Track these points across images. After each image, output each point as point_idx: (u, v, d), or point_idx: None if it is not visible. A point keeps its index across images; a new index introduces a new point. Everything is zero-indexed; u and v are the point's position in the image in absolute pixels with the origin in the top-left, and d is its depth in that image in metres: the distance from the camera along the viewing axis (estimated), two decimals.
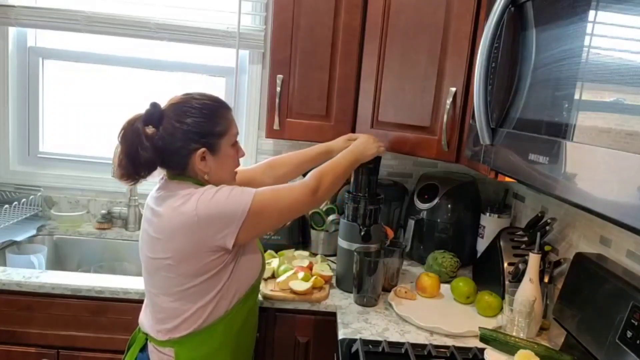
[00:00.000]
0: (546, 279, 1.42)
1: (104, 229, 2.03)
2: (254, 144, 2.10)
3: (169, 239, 1.14)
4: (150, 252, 1.18)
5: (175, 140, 1.15)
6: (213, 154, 1.19)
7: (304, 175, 2.03)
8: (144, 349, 1.24)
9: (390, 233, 1.76)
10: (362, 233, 1.56)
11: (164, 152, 1.15)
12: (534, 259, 1.36)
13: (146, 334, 1.23)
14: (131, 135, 1.13)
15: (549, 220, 1.50)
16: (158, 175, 1.22)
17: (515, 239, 1.58)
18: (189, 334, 1.18)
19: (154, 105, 1.16)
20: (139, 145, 1.12)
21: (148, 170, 1.16)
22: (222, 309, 1.20)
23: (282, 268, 1.63)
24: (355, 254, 1.50)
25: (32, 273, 1.56)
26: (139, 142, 1.12)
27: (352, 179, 1.63)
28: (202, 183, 1.20)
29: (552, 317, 1.33)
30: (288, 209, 1.23)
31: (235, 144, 1.25)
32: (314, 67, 1.72)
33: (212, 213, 1.12)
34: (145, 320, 1.24)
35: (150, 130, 1.15)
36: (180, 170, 1.20)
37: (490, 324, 1.39)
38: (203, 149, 1.17)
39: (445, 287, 1.63)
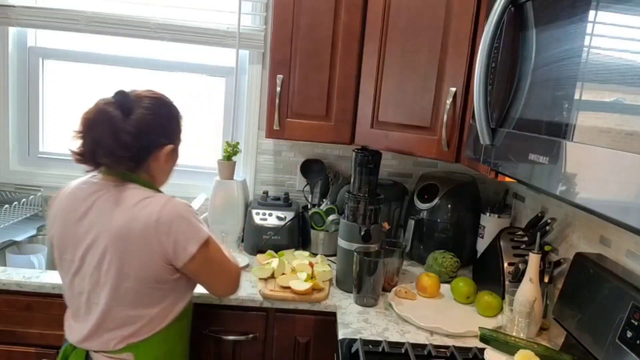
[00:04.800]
0: (546, 279, 1.42)
1: None
2: (254, 144, 2.10)
3: (122, 250, 1.09)
4: (102, 265, 1.11)
5: (149, 132, 1.14)
6: (173, 154, 1.22)
7: (303, 174, 2.04)
8: None
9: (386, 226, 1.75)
10: (362, 233, 1.57)
11: (137, 140, 1.12)
12: (534, 259, 1.36)
13: (86, 350, 1.16)
14: (111, 119, 1.09)
15: (549, 220, 1.49)
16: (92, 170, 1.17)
17: (515, 239, 1.58)
18: (150, 336, 1.16)
19: (124, 94, 1.14)
20: (121, 130, 1.09)
21: (128, 153, 1.11)
22: (182, 306, 1.21)
23: (295, 263, 1.69)
24: (355, 254, 1.50)
25: (32, 273, 1.56)
26: (122, 127, 1.09)
27: (352, 179, 1.64)
28: (148, 183, 1.18)
29: (552, 317, 1.33)
30: (221, 272, 1.21)
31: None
32: (314, 67, 1.72)
33: (176, 220, 1.09)
34: (84, 334, 1.15)
35: (123, 115, 1.11)
36: (134, 164, 1.15)
37: (490, 324, 1.39)
38: (172, 146, 1.19)
39: (445, 287, 1.63)
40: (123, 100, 1.13)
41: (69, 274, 1.16)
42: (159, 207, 1.10)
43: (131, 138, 1.10)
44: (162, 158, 1.17)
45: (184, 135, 1.27)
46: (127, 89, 1.16)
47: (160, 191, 1.21)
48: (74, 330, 1.19)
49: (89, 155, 1.12)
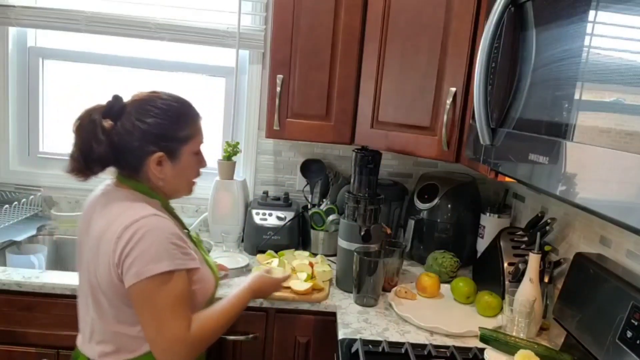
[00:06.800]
0: (546, 279, 1.42)
1: None
2: (254, 144, 2.10)
3: (95, 257, 1.05)
4: (87, 270, 1.08)
5: (132, 139, 1.07)
6: (172, 160, 1.11)
7: (303, 174, 2.04)
8: None
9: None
10: (362, 233, 1.57)
11: (118, 149, 1.07)
12: (534, 259, 1.36)
13: (87, 358, 1.13)
14: (88, 127, 1.05)
15: (549, 220, 1.49)
16: (110, 174, 1.14)
17: (515, 239, 1.58)
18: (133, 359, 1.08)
19: (117, 98, 1.09)
20: (93, 139, 1.05)
21: (101, 166, 1.08)
22: None
23: (295, 263, 1.69)
24: (355, 254, 1.50)
25: (32, 273, 1.55)
26: (94, 136, 1.05)
27: (352, 179, 1.64)
28: (152, 192, 1.12)
29: (552, 317, 1.33)
30: (159, 322, 1.02)
31: (198, 153, 1.18)
32: (314, 67, 1.72)
33: (142, 236, 1.00)
34: (84, 342, 1.14)
35: (107, 123, 1.06)
36: (132, 172, 1.11)
37: (490, 324, 1.39)
38: (160, 154, 1.09)
39: (445, 287, 1.63)
40: (113, 104, 1.09)
41: (79, 278, 1.16)
42: (133, 218, 1.02)
43: (104, 148, 1.05)
44: (152, 166, 1.09)
45: (205, 138, 1.19)
46: (126, 92, 1.13)
47: (166, 201, 1.16)
48: (80, 334, 1.18)
49: (71, 162, 1.08)
